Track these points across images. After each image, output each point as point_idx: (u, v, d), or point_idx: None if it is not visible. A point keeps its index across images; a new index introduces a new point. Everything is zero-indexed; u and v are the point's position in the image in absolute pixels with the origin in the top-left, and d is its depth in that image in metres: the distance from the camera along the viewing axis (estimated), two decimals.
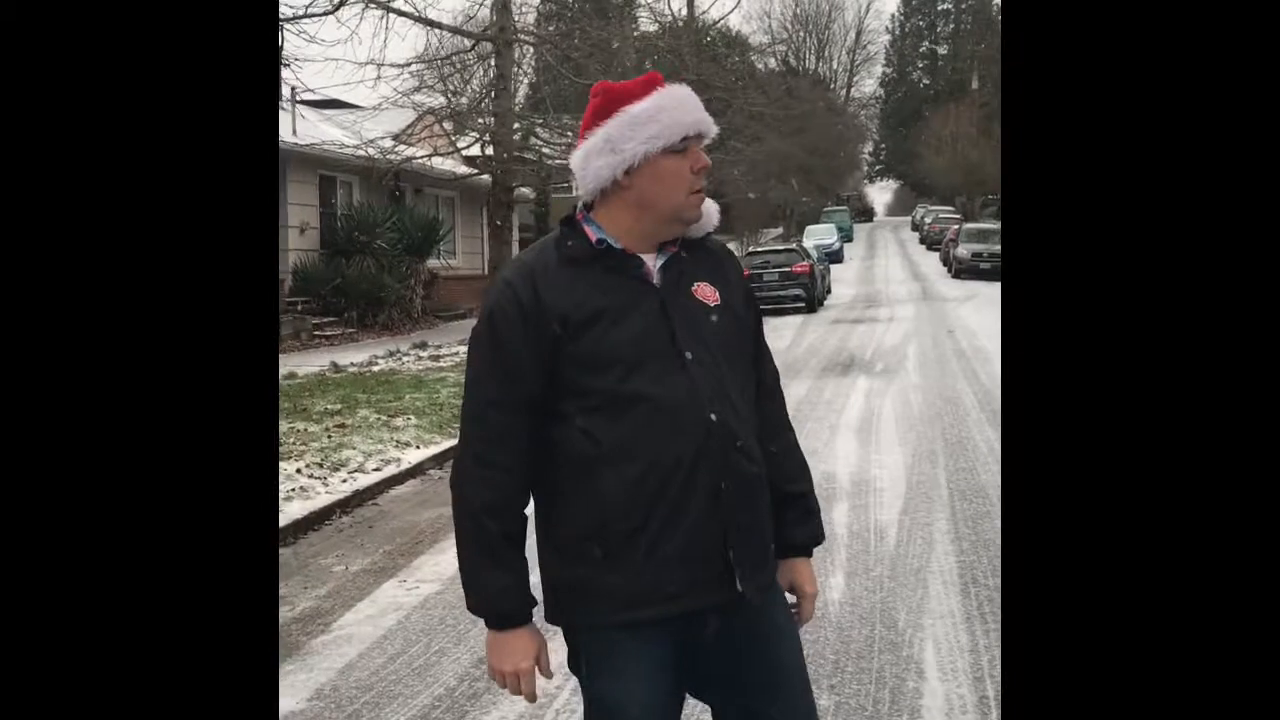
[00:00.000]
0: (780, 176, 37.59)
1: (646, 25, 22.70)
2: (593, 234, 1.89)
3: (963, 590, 4.61)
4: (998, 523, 5.75)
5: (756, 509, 1.91)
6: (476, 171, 17.66)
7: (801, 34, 58.23)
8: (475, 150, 16.10)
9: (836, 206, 52.31)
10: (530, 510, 1.88)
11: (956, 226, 35.04)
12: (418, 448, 8.38)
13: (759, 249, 26.72)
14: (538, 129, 16.24)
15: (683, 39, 21.91)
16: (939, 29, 66.40)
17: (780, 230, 48.77)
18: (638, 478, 1.81)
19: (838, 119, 49.71)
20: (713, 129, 1.88)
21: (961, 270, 29.42)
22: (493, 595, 1.84)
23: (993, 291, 26.06)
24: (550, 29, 16.62)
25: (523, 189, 19.22)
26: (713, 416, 1.83)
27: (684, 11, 25.56)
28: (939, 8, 66.38)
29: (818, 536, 2.08)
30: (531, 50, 17.04)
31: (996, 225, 36.84)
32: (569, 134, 16.65)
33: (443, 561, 5.46)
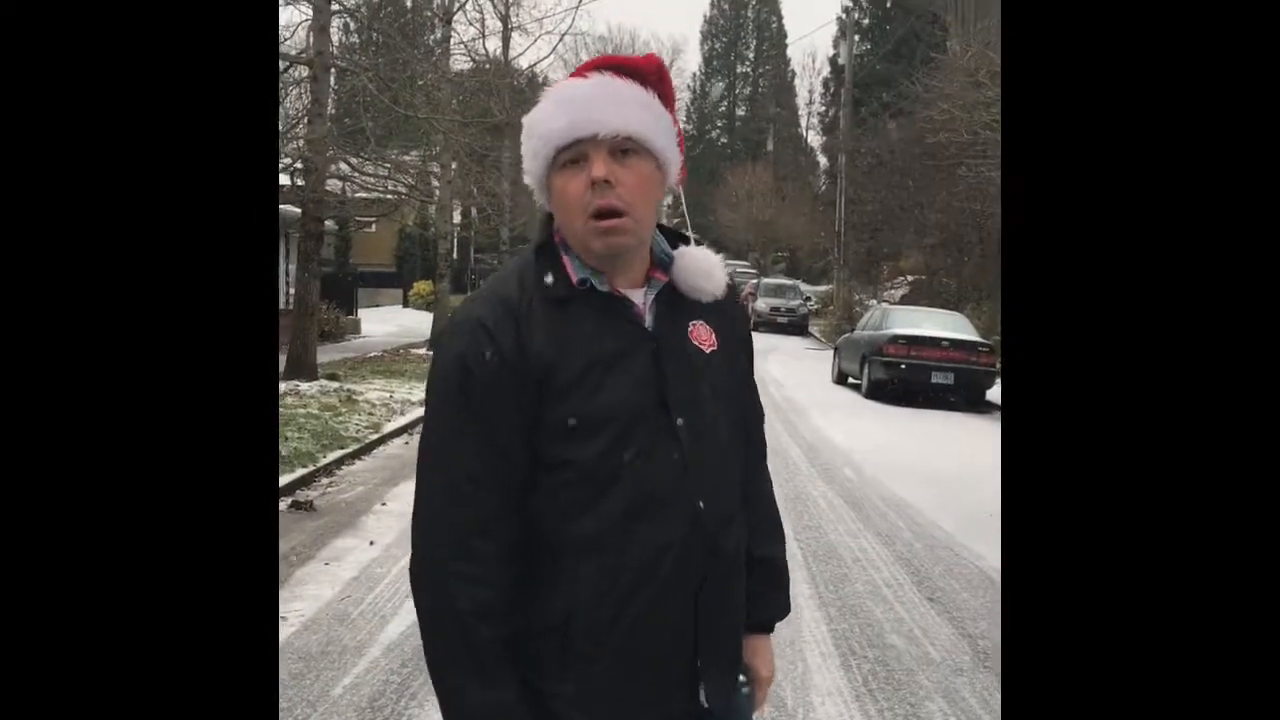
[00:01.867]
0: None
1: (462, 64, 22.36)
2: (573, 271, 1.54)
3: (844, 663, 4.42)
4: (859, 586, 5.67)
5: (734, 609, 1.65)
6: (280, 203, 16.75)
7: None
8: (284, 180, 15.31)
9: None
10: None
11: (755, 281, 36.09)
12: None
13: None
14: (349, 160, 15.55)
15: (496, 80, 21.67)
16: (738, 90, 68.83)
17: None
18: (613, 570, 1.51)
19: None
20: (613, 126, 1.47)
21: (760, 323, 30.21)
22: (486, 717, 1.46)
23: (792, 344, 26.89)
24: (362, 58, 15.99)
25: (328, 222, 18.43)
26: (701, 504, 1.54)
27: (499, 53, 25.37)
28: (738, 70, 68.84)
29: (784, 610, 1.82)
30: (340, 76, 16.40)
31: (793, 281, 38.34)
32: (387, 166, 16.04)
33: None
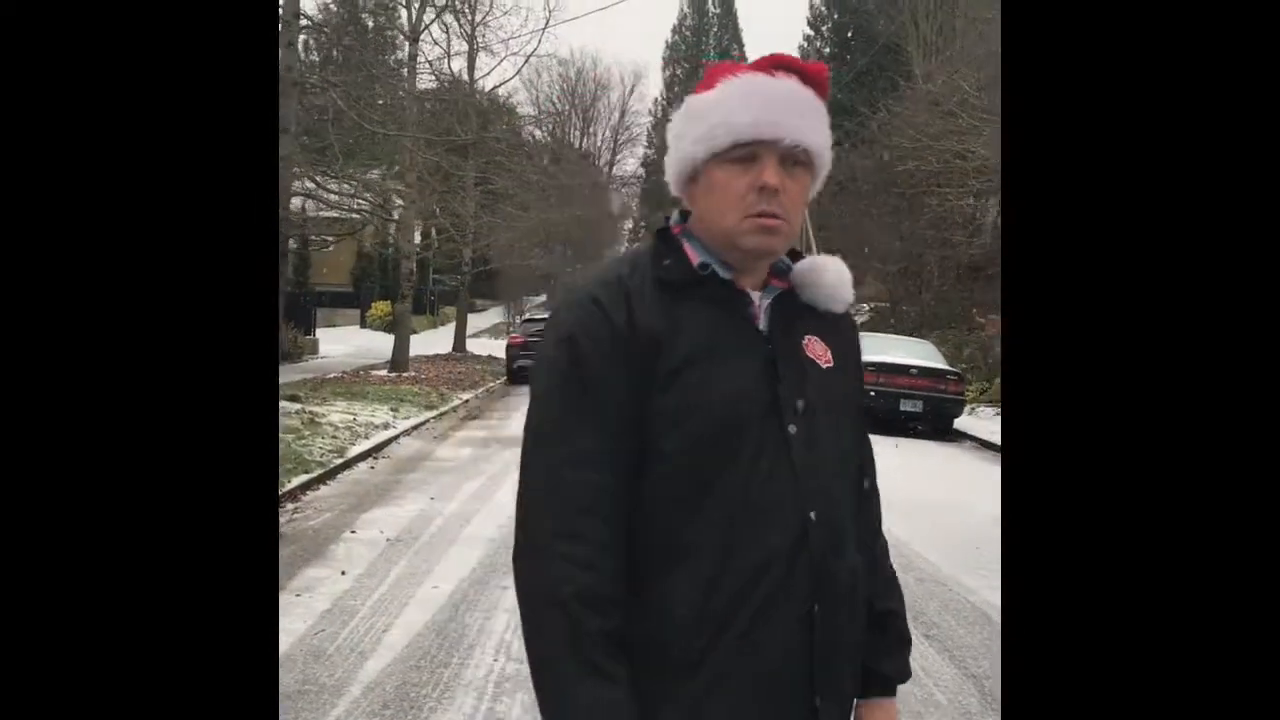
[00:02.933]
0: (546, 245, 37.69)
1: (427, 83, 22.15)
2: (694, 254, 1.50)
3: None
4: None
5: (850, 647, 1.50)
6: None
7: (568, 108, 59.11)
8: None
9: None
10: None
11: None
12: None
13: (535, 316, 26.46)
14: (314, 178, 15.26)
15: (462, 100, 21.51)
16: None
17: (545, 298, 48.95)
18: (709, 583, 1.38)
19: (601, 193, 50.58)
20: (795, 136, 1.42)
21: None
22: (595, 717, 1.32)
23: None
24: (327, 75, 15.73)
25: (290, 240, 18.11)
26: (812, 514, 1.42)
27: (464, 74, 25.20)
28: None
29: (906, 672, 1.65)
30: (302, 94, 16.11)
31: None
32: (352, 184, 15.76)
33: None
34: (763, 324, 1.49)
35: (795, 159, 1.44)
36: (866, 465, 1.63)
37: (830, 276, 1.54)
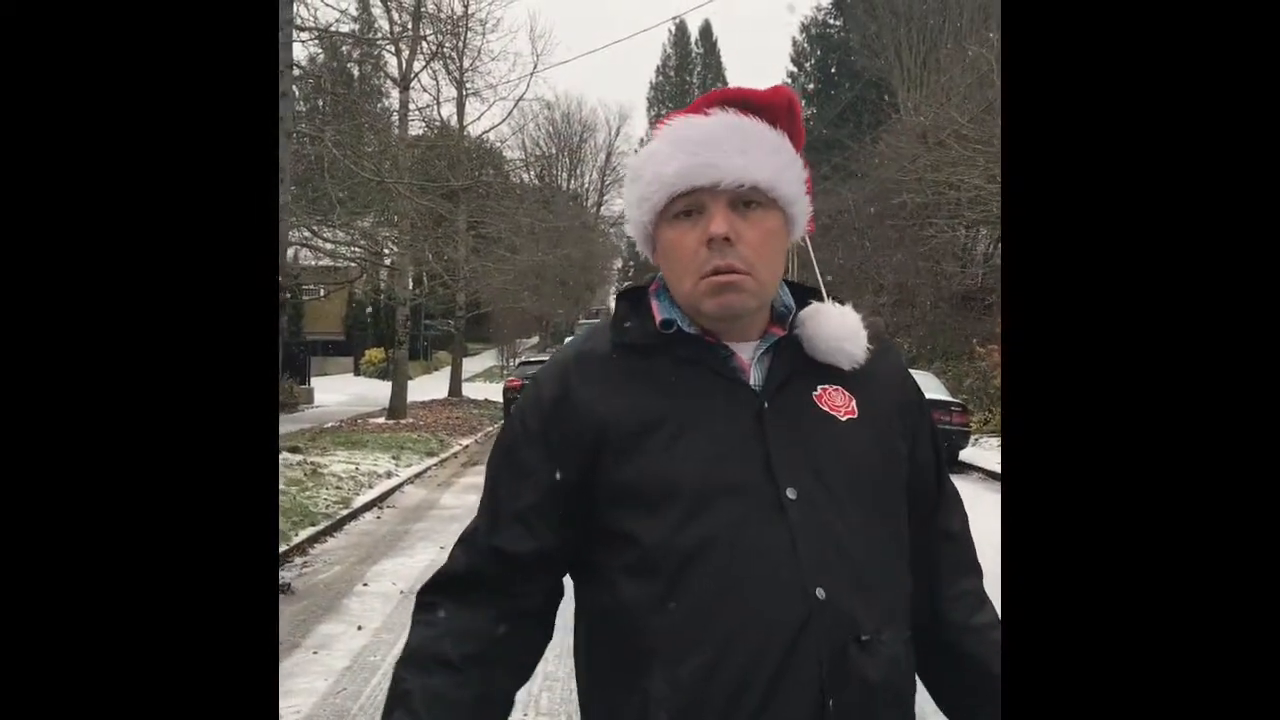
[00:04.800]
0: (537, 288, 37.77)
1: (417, 129, 22.21)
2: (659, 312, 1.33)
3: None
4: None
5: None
6: None
7: (554, 151, 59.32)
8: None
9: (590, 319, 52.84)
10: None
11: None
12: None
13: (531, 359, 26.42)
14: (310, 227, 15.23)
15: (452, 146, 21.55)
16: None
17: (536, 339, 48.95)
18: (698, 678, 1.19)
19: (590, 234, 50.74)
20: (736, 176, 1.25)
21: None
22: None
23: None
24: (315, 125, 15.74)
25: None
26: (820, 592, 1.20)
27: (454, 120, 25.29)
28: None
29: None
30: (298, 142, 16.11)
31: None
32: (351, 232, 15.72)
33: None
34: (754, 377, 1.31)
35: (748, 200, 1.27)
36: (940, 516, 1.42)
37: (830, 327, 1.33)
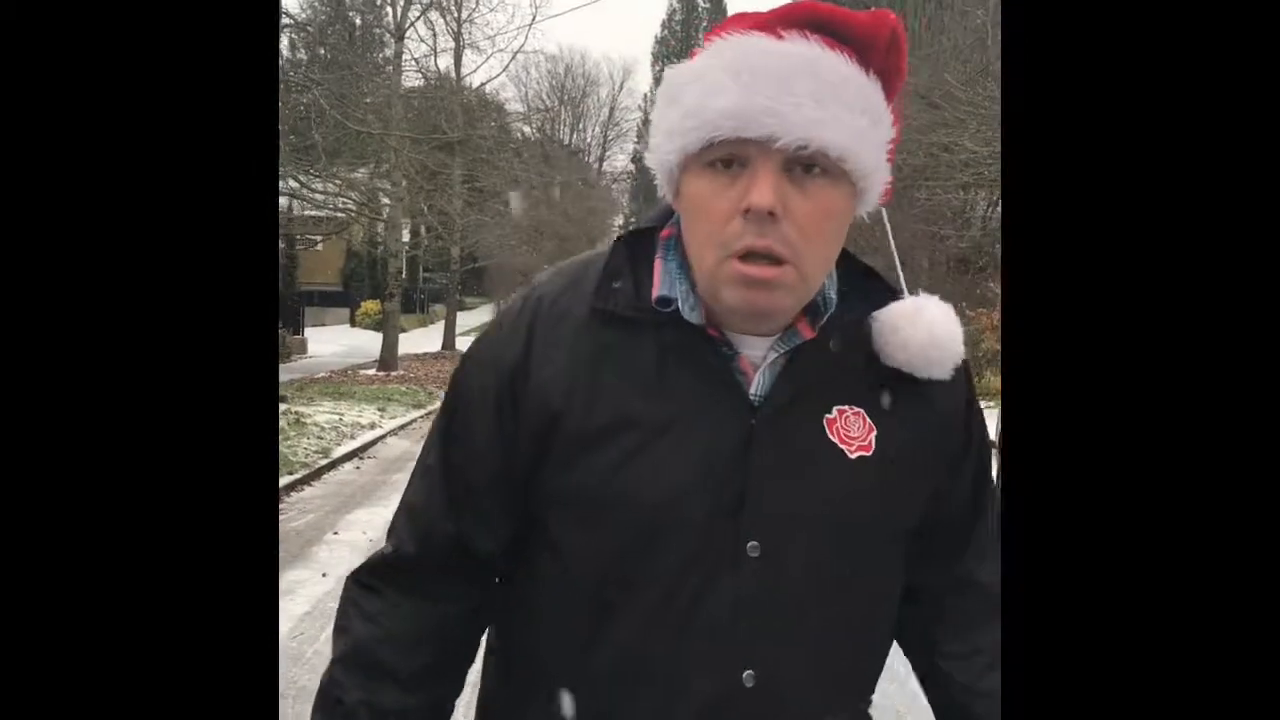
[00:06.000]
0: (534, 243, 37.69)
1: (414, 80, 22.10)
2: (661, 281, 1.06)
3: None
4: None
5: None
6: None
7: (557, 105, 58.96)
8: None
9: None
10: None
11: None
12: None
13: None
14: (297, 177, 15.20)
15: (448, 97, 21.44)
16: None
17: None
18: None
19: (591, 190, 50.53)
20: (801, 133, 0.94)
21: None
22: None
23: None
24: (313, 74, 15.65)
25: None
26: (748, 677, 1.02)
27: (451, 72, 25.13)
28: None
29: None
30: (287, 92, 16.05)
31: None
32: (337, 182, 15.70)
33: None
34: (759, 384, 1.05)
35: (809, 164, 0.97)
36: (974, 563, 1.18)
37: (929, 332, 1.05)
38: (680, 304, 1.03)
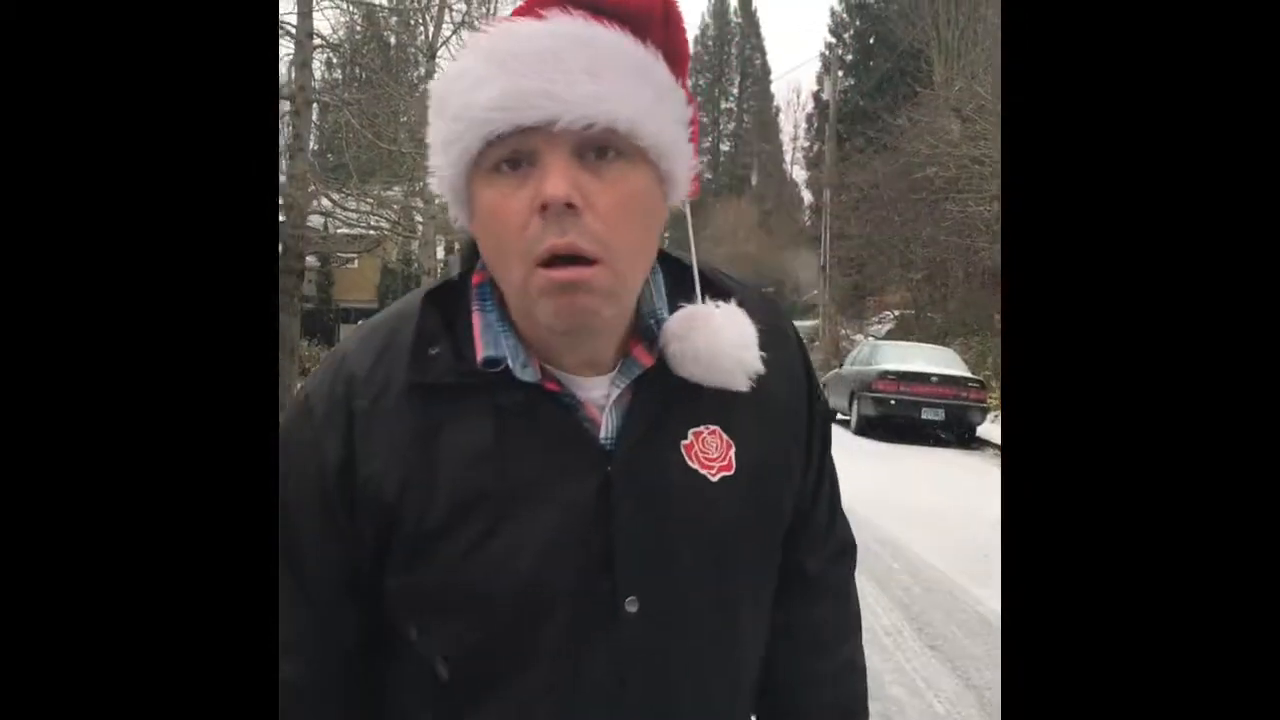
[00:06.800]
0: None
1: None
2: (483, 339, 0.96)
3: None
4: None
5: None
6: None
7: None
8: None
9: None
10: None
11: None
12: None
13: None
14: (330, 196, 15.39)
15: None
16: (722, 127, 69.24)
17: None
18: None
19: None
20: (584, 110, 0.85)
21: None
22: None
23: None
24: (346, 94, 15.86)
25: (309, 257, 18.33)
26: None
27: None
28: (722, 106, 69.33)
29: None
30: (323, 112, 16.28)
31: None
32: (370, 201, 15.87)
33: None
34: (607, 428, 0.97)
35: (602, 145, 0.88)
36: (816, 558, 1.17)
37: (711, 342, 0.96)
38: (510, 362, 0.94)
